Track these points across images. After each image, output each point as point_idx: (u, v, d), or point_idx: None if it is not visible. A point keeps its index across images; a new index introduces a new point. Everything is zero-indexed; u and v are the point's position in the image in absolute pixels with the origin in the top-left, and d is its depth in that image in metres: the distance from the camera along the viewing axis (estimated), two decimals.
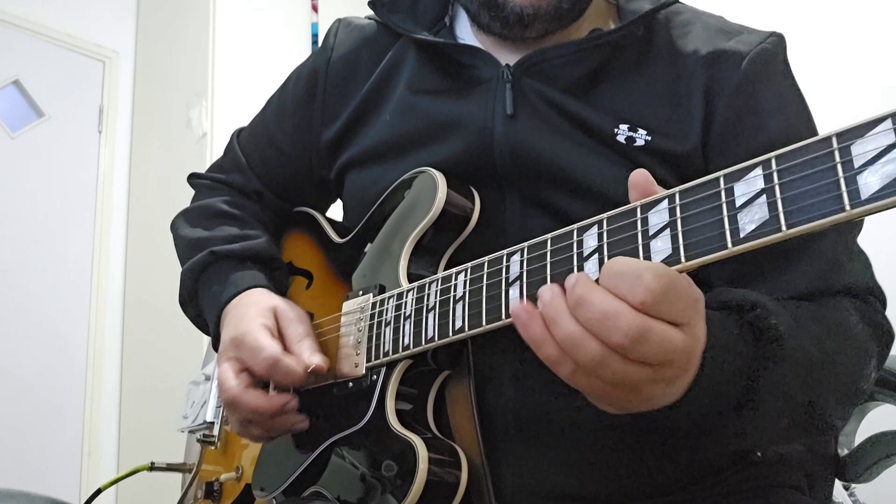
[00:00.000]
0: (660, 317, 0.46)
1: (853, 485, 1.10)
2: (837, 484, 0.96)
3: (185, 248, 0.94)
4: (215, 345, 0.85)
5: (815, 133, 0.75)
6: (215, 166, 1.05)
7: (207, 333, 0.91)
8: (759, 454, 0.73)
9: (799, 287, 0.68)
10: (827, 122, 0.56)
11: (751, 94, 0.74)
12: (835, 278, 0.69)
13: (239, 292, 0.83)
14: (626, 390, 0.50)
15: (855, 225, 0.74)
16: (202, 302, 0.89)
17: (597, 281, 0.48)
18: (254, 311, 0.79)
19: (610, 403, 0.53)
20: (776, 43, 0.78)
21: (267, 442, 0.83)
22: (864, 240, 0.74)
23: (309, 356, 0.74)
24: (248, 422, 0.77)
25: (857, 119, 0.41)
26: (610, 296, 0.47)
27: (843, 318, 0.66)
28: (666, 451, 0.69)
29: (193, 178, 1.05)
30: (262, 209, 0.99)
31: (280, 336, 0.77)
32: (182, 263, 0.93)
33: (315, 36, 3.27)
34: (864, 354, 0.67)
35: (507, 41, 0.82)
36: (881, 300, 0.72)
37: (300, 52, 3.15)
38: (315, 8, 3.31)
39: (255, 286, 0.85)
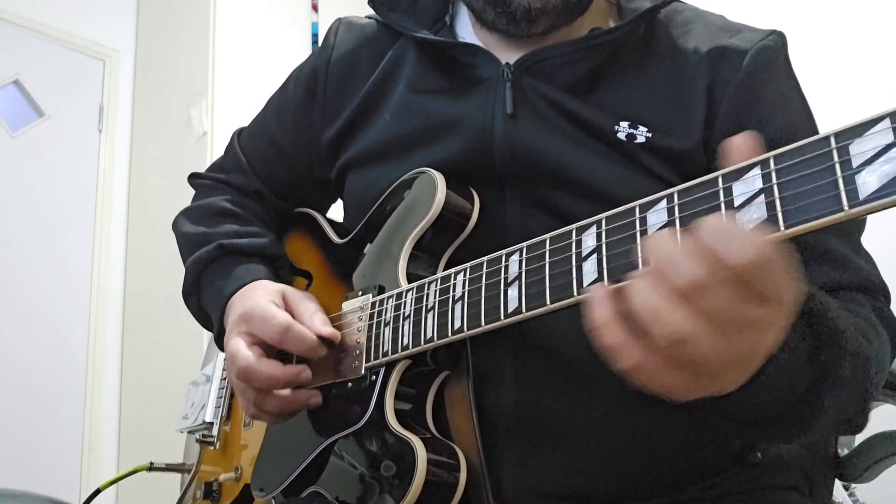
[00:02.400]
0: (757, 287, 0.42)
1: (853, 485, 1.10)
2: (837, 484, 0.96)
3: (188, 244, 0.94)
4: (218, 339, 0.85)
5: (815, 131, 0.75)
6: (216, 166, 1.05)
7: (208, 328, 0.91)
8: (758, 454, 0.73)
9: (814, 284, 0.68)
10: (829, 120, 0.56)
11: (752, 92, 0.74)
12: (849, 276, 0.69)
13: (243, 285, 0.83)
14: (685, 371, 0.45)
15: (860, 225, 0.74)
16: (205, 295, 0.89)
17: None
18: (261, 291, 0.79)
19: (658, 389, 0.48)
20: (778, 41, 0.77)
21: (279, 422, 0.82)
22: (864, 239, 0.75)
23: (321, 326, 0.75)
24: (263, 395, 0.75)
25: (858, 118, 0.41)
26: (683, 245, 0.43)
27: (867, 314, 0.66)
28: (665, 452, 0.69)
29: (194, 178, 1.05)
30: (263, 209, 0.99)
31: (290, 313, 0.77)
32: (184, 260, 0.93)
33: (315, 36, 3.27)
34: (886, 349, 0.66)
35: (509, 39, 0.82)
36: (886, 296, 0.73)
37: (300, 52, 3.15)
38: (315, 8, 3.31)
39: (260, 279, 0.84)
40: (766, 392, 0.51)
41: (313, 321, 0.75)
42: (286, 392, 0.75)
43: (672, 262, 0.43)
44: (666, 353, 0.44)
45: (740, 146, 0.46)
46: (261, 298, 0.77)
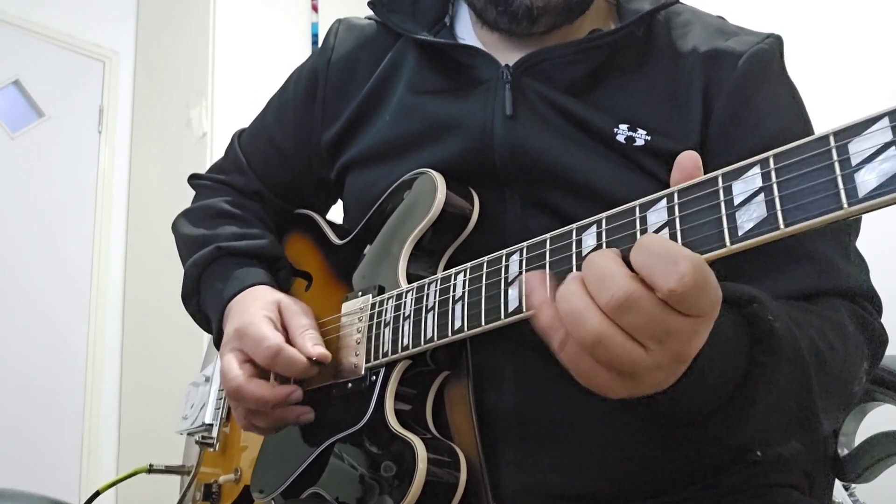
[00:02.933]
0: (680, 310, 0.45)
1: (853, 485, 1.10)
2: (837, 484, 0.96)
3: (187, 245, 0.94)
4: (217, 341, 0.85)
5: (810, 133, 0.75)
6: (216, 167, 1.05)
7: (207, 330, 0.91)
8: (758, 453, 0.73)
9: (794, 288, 0.68)
10: (828, 119, 0.56)
11: (747, 95, 0.75)
12: (829, 280, 0.69)
13: (243, 289, 0.84)
14: (614, 374, 0.48)
15: (852, 228, 0.74)
16: (204, 298, 0.89)
17: (626, 259, 0.46)
18: (258, 304, 0.80)
19: (597, 386, 0.51)
20: (773, 44, 0.78)
21: (272, 435, 0.83)
22: (863, 239, 0.74)
23: (311, 347, 0.75)
24: (253, 413, 0.77)
25: (857, 117, 0.41)
26: (617, 262, 0.46)
27: (838, 319, 0.66)
28: (665, 451, 0.69)
29: (194, 180, 1.05)
30: (263, 210, 0.99)
31: (283, 328, 0.77)
32: (184, 261, 0.93)
33: (315, 36, 3.27)
34: (857, 357, 0.66)
35: (510, 39, 0.82)
36: (875, 305, 0.72)
37: (300, 52, 3.16)
38: (315, 8, 3.32)
39: (259, 283, 0.85)
40: (696, 388, 0.52)
41: (304, 341, 0.75)
42: (275, 411, 0.76)
43: (601, 278, 0.46)
44: (588, 350, 0.47)
45: (684, 163, 0.49)
46: (255, 314, 0.77)
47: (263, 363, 0.74)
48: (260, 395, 0.74)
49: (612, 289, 0.45)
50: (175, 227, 0.98)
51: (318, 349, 0.75)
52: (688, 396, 0.53)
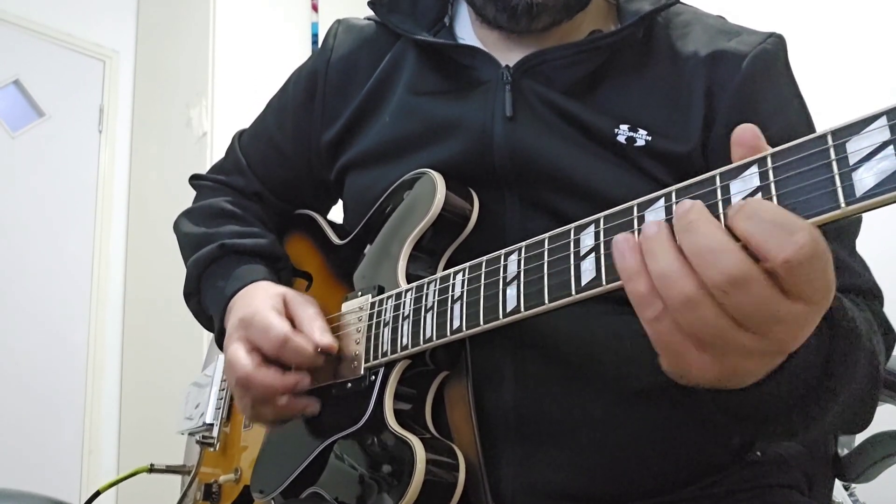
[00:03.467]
0: (790, 289, 0.41)
1: (853, 485, 1.10)
2: (837, 484, 0.96)
3: (189, 244, 0.94)
4: (219, 340, 0.85)
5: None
6: (216, 168, 1.05)
7: (209, 328, 0.91)
8: (758, 453, 0.73)
9: None
10: (826, 118, 0.56)
11: (751, 96, 0.74)
12: (847, 280, 0.69)
13: (245, 285, 0.83)
14: (709, 353, 0.45)
15: (855, 227, 0.74)
16: (206, 296, 0.89)
17: (725, 224, 0.43)
18: (262, 295, 0.79)
19: (681, 368, 0.48)
20: (776, 44, 0.77)
21: (276, 428, 0.82)
22: (862, 238, 0.74)
23: (319, 335, 0.74)
24: (261, 402, 0.75)
25: (855, 116, 0.41)
26: (724, 231, 0.42)
27: (866, 315, 0.66)
28: (665, 451, 0.69)
29: (195, 180, 1.05)
30: (264, 210, 0.99)
31: (290, 319, 0.76)
32: (185, 260, 0.93)
33: (315, 36, 3.27)
34: (882, 349, 0.66)
35: (509, 38, 0.82)
36: (881, 300, 0.72)
37: (300, 52, 3.16)
38: (315, 8, 3.32)
39: (261, 280, 0.84)
40: (782, 387, 0.51)
41: (312, 330, 0.75)
42: (283, 400, 0.75)
43: (709, 251, 0.42)
44: (675, 316, 0.44)
45: (742, 138, 0.46)
46: (262, 304, 0.77)
47: (271, 351, 0.74)
48: (269, 383, 0.73)
49: (722, 264, 0.41)
50: (176, 227, 0.98)
51: (326, 337, 0.74)
52: (775, 391, 0.51)
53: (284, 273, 0.92)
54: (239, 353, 0.74)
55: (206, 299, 0.89)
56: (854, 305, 0.62)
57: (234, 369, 0.74)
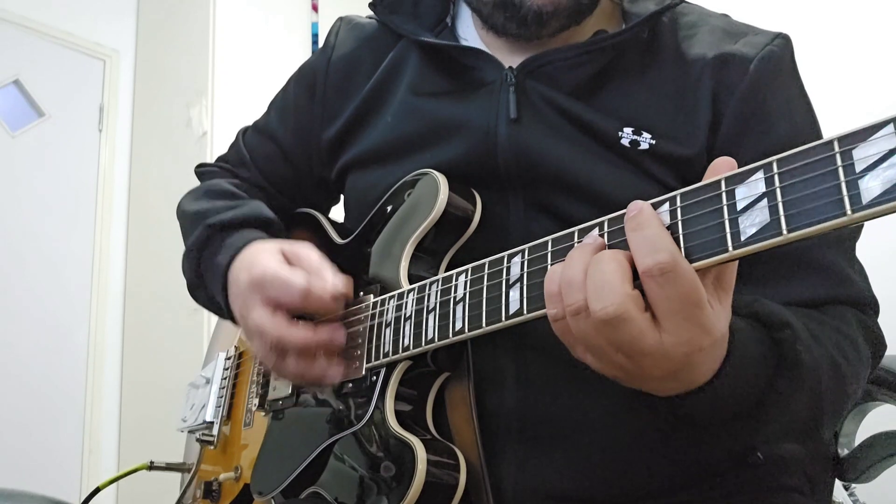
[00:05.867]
0: (657, 314, 0.48)
1: (853, 485, 1.10)
2: (837, 484, 0.96)
3: (187, 225, 0.91)
4: (231, 317, 0.81)
5: (819, 137, 0.75)
6: (220, 161, 1.05)
7: (222, 314, 0.86)
8: (759, 456, 0.73)
9: (805, 296, 0.68)
10: (833, 124, 0.56)
11: (758, 99, 0.74)
12: (839, 289, 0.69)
13: (237, 253, 0.79)
14: (590, 356, 0.52)
15: (855, 233, 0.74)
16: (207, 279, 0.85)
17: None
18: (263, 253, 0.76)
19: (581, 360, 0.54)
20: (783, 45, 0.77)
21: (301, 382, 0.80)
22: (863, 242, 0.74)
23: (331, 282, 0.71)
24: (299, 358, 0.72)
25: (863, 121, 0.41)
26: (619, 273, 0.48)
27: (851, 334, 0.67)
28: (666, 453, 0.69)
29: (200, 167, 1.04)
30: (267, 200, 0.98)
31: None
32: (185, 242, 0.90)
33: (315, 36, 3.27)
34: (864, 369, 0.67)
35: (515, 41, 0.82)
36: (875, 310, 0.73)
37: (300, 52, 3.16)
38: (315, 8, 3.32)
39: (253, 241, 0.81)
40: (725, 388, 0.54)
41: (324, 277, 0.72)
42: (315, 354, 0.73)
43: (599, 287, 0.48)
44: (571, 322, 0.50)
45: (720, 169, 0.49)
46: (267, 261, 0.73)
47: (294, 305, 0.70)
48: (305, 337, 0.71)
49: (605, 300, 0.47)
50: (178, 208, 0.96)
51: (338, 281, 0.72)
52: (709, 399, 0.54)
53: (281, 236, 0.88)
54: (264, 317, 0.71)
55: (209, 282, 0.85)
56: (826, 326, 0.65)
57: (265, 334, 0.71)
